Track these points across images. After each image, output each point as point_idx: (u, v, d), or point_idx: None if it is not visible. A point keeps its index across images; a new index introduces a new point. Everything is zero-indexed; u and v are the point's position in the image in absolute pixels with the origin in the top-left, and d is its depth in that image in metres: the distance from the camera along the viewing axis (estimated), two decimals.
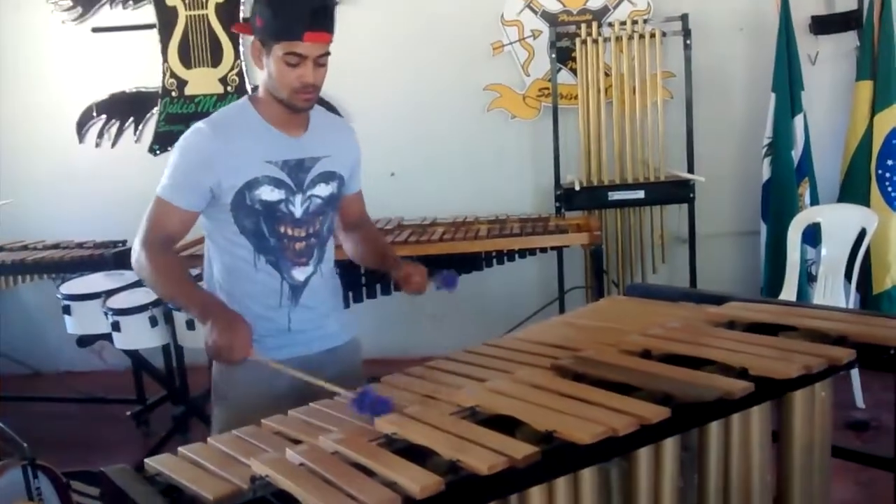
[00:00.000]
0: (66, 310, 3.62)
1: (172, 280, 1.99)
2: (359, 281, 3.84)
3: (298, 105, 2.00)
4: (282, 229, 2.04)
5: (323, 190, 2.09)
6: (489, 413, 1.59)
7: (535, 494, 1.44)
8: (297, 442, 1.55)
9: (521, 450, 1.38)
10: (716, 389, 1.62)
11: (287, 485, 1.31)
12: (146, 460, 1.51)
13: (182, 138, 2.03)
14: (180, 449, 1.55)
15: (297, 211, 2.05)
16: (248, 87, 4.88)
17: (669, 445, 1.61)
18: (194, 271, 2.34)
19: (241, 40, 4.90)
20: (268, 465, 1.37)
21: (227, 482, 1.39)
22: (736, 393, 1.63)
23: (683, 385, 1.64)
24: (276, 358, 2.03)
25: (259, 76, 2.04)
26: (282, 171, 2.02)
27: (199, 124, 2.03)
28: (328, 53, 1.98)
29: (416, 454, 1.42)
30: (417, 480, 1.28)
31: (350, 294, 3.78)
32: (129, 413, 4.20)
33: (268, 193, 2.00)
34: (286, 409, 1.75)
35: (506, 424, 1.53)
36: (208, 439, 1.61)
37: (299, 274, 2.09)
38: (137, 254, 2.00)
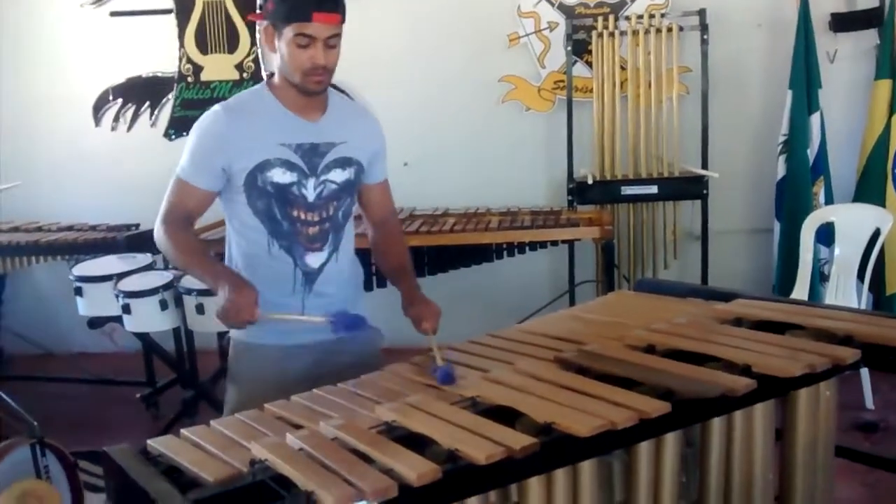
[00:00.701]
0: (78, 291, 3.66)
1: (188, 252, 2.03)
2: (369, 270, 3.84)
3: (310, 87, 2.00)
4: (294, 213, 2.05)
5: (338, 175, 2.09)
6: (490, 403, 1.59)
7: (534, 485, 1.45)
8: (298, 427, 1.56)
9: (519, 440, 1.38)
10: (718, 386, 1.62)
11: (286, 469, 1.32)
12: (148, 441, 1.52)
13: (198, 121, 2.07)
14: (182, 431, 1.56)
15: (310, 195, 2.06)
16: (264, 74, 4.88)
17: (670, 440, 1.61)
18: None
19: (257, 27, 4.90)
20: (267, 449, 1.38)
21: (228, 465, 1.40)
22: (738, 390, 1.62)
23: (685, 381, 1.64)
24: (289, 343, 2.05)
25: (273, 63, 2.05)
26: (295, 154, 2.03)
27: (215, 107, 2.06)
28: (339, 35, 1.99)
29: (416, 442, 1.42)
30: (415, 468, 1.29)
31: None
32: (138, 395, 4.23)
33: (279, 176, 2.02)
34: (296, 394, 1.76)
35: (507, 415, 1.53)
36: (211, 422, 1.62)
37: (313, 260, 2.10)
38: (158, 229, 2.05)
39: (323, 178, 2.07)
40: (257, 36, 4.90)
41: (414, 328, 2.12)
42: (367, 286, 3.75)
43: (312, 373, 2.00)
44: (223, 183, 2.05)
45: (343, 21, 1.99)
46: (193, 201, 2.05)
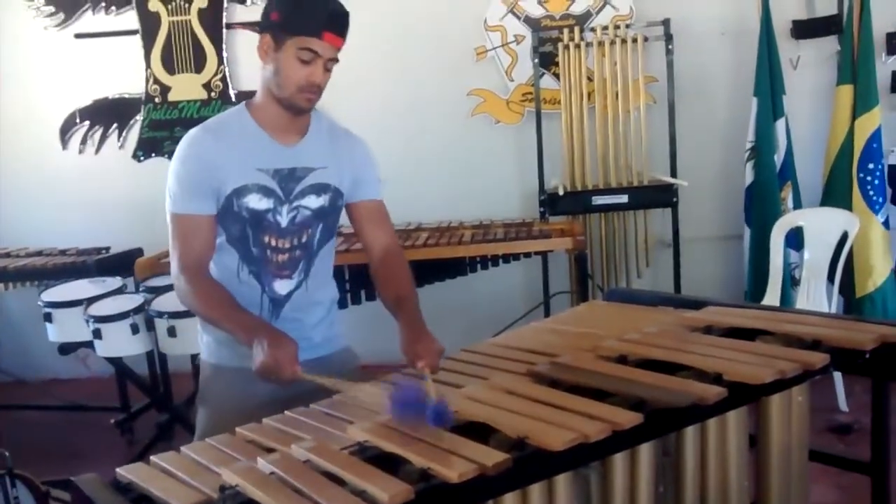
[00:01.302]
0: (48, 317, 3.60)
1: (214, 305, 1.93)
2: (343, 287, 3.83)
3: (300, 104, 1.96)
4: (266, 239, 2.01)
5: (313, 202, 2.04)
6: (463, 420, 1.58)
7: (509, 501, 1.44)
8: (270, 450, 1.54)
9: (492, 457, 1.37)
10: (689, 395, 1.62)
11: (256, 494, 1.30)
12: (117, 470, 1.49)
13: (179, 148, 1.99)
14: (152, 458, 1.54)
15: (283, 221, 2.01)
16: (232, 93, 4.87)
17: (645, 451, 1.61)
18: None
19: (224, 45, 4.89)
20: (238, 474, 1.36)
21: (198, 491, 1.38)
22: (709, 398, 1.63)
23: (657, 391, 1.64)
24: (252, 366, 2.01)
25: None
26: (272, 180, 1.99)
27: (192, 131, 2.00)
28: (337, 60, 1.97)
29: (389, 462, 1.41)
30: (387, 489, 1.28)
31: None
32: (112, 421, 4.18)
33: (256, 202, 1.97)
34: (268, 416, 1.74)
35: (480, 431, 1.52)
36: (181, 448, 1.60)
37: (281, 287, 2.05)
38: (177, 281, 1.95)
39: (296, 203, 2.02)
40: (224, 54, 4.89)
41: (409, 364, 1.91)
42: (342, 303, 3.77)
43: (283, 395, 1.96)
44: (217, 204, 1.97)
45: (342, 47, 1.97)
46: (202, 233, 1.96)
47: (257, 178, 1.97)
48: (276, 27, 1.93)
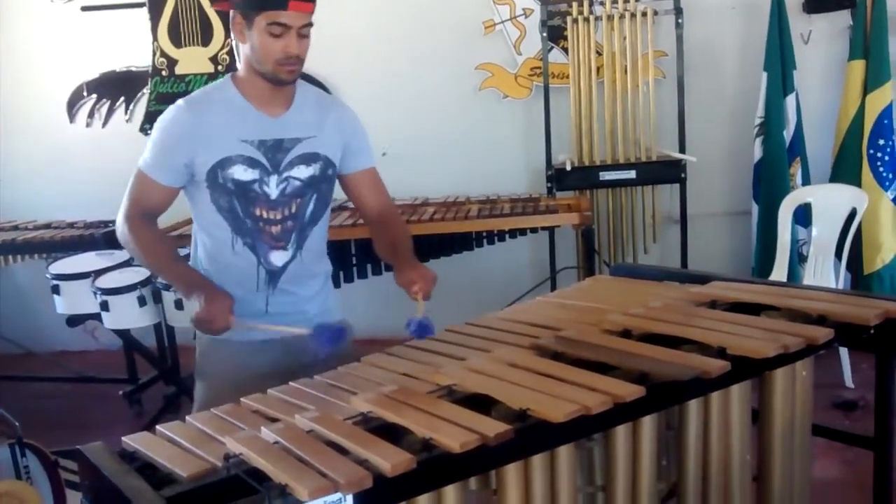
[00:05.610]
0: (55, 289, 3.62)
1: (156, 256, 2.05)
2: (349, 261, 3.84)
3: (283, 77, 1.98)
4: (257, 211, 2.02)
5: (302, 172, 2.05)
6: (466, 392, 1.59)
7: (512, 471, 1.45)
8: (274, 420, 1.55)
9: (493, 428, 1.38)
10: (692, 368, 1.62)
11: (260, 463, 1.31)
12: (123, 438, 1.51)
13: (162, 116, 2.04)
14: (158, 427, 1.56)
15: (273, 192, 2.03)
16: (240, 66, 4.84)
17: (647, 424, 1.62)
18: (183, 251, 2.34)
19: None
20: (242, 443, 1.38)
21: (202, 460, 1.40)
22: (713, 372, 1.63)
23: (660, 364, 1.65)
24: (255, 338, 2.04)
25: (240, 54, 2.04)
26: (257, 151, 2.00)
27: (178, 102, 2.04)
28: (311, 24, 1.97)
29: (392, 432, 1.43)
30: (389, 458, 1.29)
31: (341, 274, 3.78)
32: (121, 392, 4.21)
33: (240, 173, 1.99)
34: (265, 388, 1.75)
35: (483, 403, 1.53)
36: (186, 418, 1.62)
37: (277, 259, 2.08)
38: (121, 227, 2.05)
39: (286, 174, 2.04)
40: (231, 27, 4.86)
41: (407, 295, 2.02)
42: (348, 278, 3.79)
43: (280, 367, 1.98)
44: (186, 179, 2.02)
45: (314, 9, 1.97)
46: (155, 197, 2.03)
47: (241, 150, 1.99)
48: (243, 5, 1.95)
